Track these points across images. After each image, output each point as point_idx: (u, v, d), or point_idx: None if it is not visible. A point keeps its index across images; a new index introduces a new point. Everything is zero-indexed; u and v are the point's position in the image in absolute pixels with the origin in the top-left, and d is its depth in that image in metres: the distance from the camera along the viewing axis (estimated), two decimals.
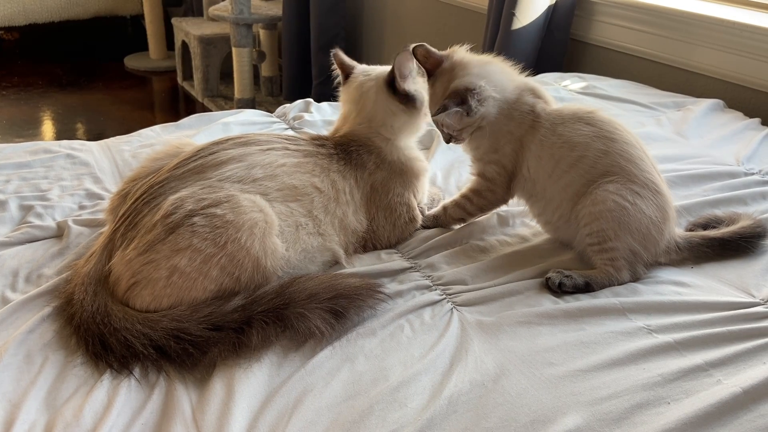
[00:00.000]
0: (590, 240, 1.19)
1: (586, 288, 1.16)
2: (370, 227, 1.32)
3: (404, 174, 1.36)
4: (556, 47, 2.51)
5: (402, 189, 1.35)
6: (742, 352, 0.99)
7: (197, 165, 1.16)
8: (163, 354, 0.99)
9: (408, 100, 1.35)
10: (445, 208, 1.39)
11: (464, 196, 1.36)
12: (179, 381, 0.98)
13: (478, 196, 1.34)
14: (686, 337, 1.02)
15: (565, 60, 2.55)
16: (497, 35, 2.53)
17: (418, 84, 1.37)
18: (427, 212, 1.42)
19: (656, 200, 1.19)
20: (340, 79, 1.44)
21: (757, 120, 1.89)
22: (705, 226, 1.33)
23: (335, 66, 1.43)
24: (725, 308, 1.09)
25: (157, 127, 1.82)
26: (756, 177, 1.56)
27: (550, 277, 1.17)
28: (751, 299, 1.13)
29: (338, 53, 1.41)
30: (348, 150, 1.32)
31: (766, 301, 1.12)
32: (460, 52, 1.29)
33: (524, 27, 2.44)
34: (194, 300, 1.06)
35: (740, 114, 1.94)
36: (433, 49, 1.28)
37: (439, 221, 1.40)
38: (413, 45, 1.27)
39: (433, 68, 1.29)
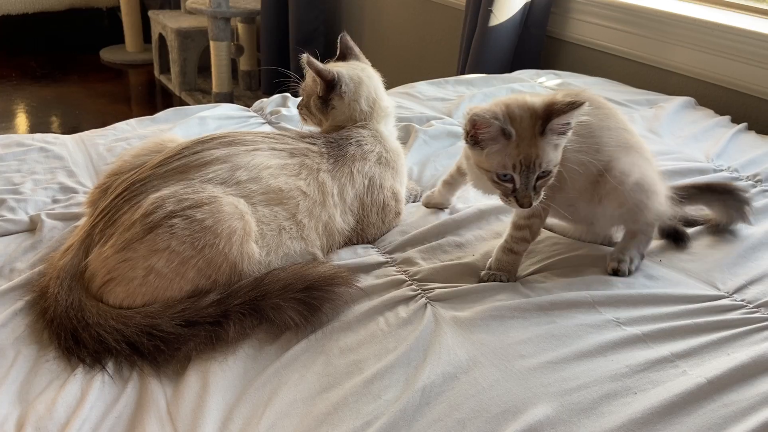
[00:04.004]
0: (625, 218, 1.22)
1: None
2: (358, 226, 1.32)
3: (398, 163, 1.39)
4: (533, 44, 2.54)
5: (393, 181, 1.37)
6: (707, 344, 1.02)
7: (181, 164, 1.15)
8: (136, 350, 0.99)
9: None
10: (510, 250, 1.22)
11: (518, 228, 1.21)
12: (154, 375, 0.98)
13: (530, 229, 1.21)
14: (653, 330, 1.04)
15: (541, 57, 2.57)
16: (475, 31, 2.55)
17: None
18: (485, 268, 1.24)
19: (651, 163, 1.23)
20: (317, 88, 1.38)
21: (727, 117, 1.93)
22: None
23: (309, 71, 1.38)
24: (692, 301, 1.12)
25: (132, 121, 1.80)
26: (725, 173, 1.60)
27: (619, 268, 1.19)
28: (716, 292, 1.16)
29: (312, 61, 1.34)
30: (346, 143, 1.32)
31: (731, 294, 1.15)
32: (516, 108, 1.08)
33: (501, 24, 2.46)
34: (169, 299, 1.06)
35: (711, 112, 1.98)
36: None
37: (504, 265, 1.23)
38: (473, 112, 1.05)
39: (489, 135, 1.07)
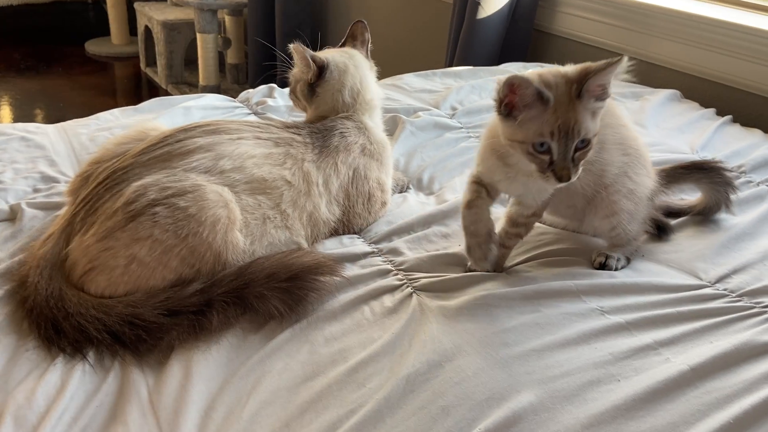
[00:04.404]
0: (611, 233, 1.21)
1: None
2: (344, 216, 1.31)
3: (383, 154, 1.38)
4: (520, 37, 2.54)
5: (379, 172, 1.36)
6: (690, 332, 1.02)
7: (163, 153, 1.14)
8: (117, 339, 0.98)
9: None
10: (502, 245, 1.20)
11: (515, 225, 1.20)
12: (135, 364, 0.97)
13: (526, 226, 1.21)
14: (637, 318, 1.05)
15: (528, 50, 2.57)
16: (462, 24, 2.54)
17: None
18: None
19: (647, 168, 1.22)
20: (308, 74, 1.37)
21: (712, 110, 1.94)
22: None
23: (301, 62, 1.37)
24: (675, 290, 1.12)
25: (115, 111, 1.78)
26: None
27: (606, 263, 1.19)
28: (699, 282, 1.16)
29: (302, 47, 1.34)
30: (331, 133, 1.31)
31: (713, 284, 1.16)
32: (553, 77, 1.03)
33: (489, 17, 2.46)
34: (152, 288, 1.05)
35: (696, 104, 1.99)
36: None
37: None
38: (510, 76, 0.98)
39: (525, 102, 0.99)
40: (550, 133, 0.99)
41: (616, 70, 0.99)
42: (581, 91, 0.98)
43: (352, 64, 1.40)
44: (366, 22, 1.47)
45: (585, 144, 1.01)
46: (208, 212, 1.07)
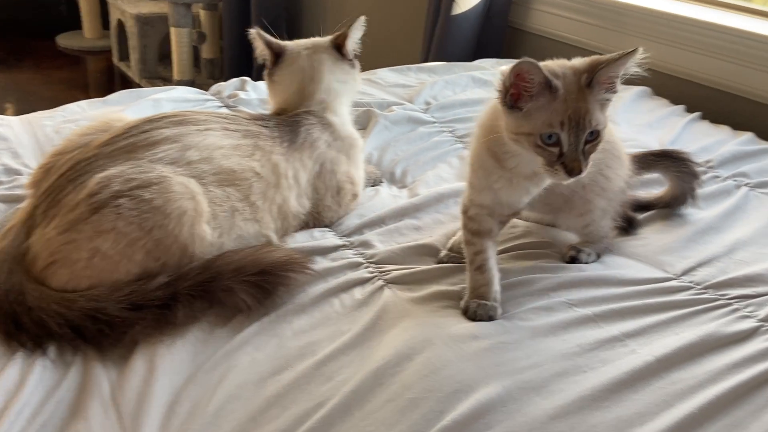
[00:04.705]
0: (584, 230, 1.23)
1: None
2: (313, 209, 1.30)
3: (352, 149, 1.37)
4: (495, 34, 2.55)
5: (348, 166, 1.35)
6: (656, 324, 1.04)
7: (128, 143, 1.12)
8: (79, 334, 0.96)
9: (352, 63, 1.43)
10: None
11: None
12: (98, 359, 0.95)
13: (504, 224, 1.20)
14: (604, 310, 1.05)
15: (503, 47, 2.59)
16: (438, 20, 2.55)
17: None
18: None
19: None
20: (266, 61, 1.39)
21: (682, 107, 1.96)
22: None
23: (260, 48, 1.38)
24: (641, 283, 1.13)
25: (83, 103, 1.75)
26: None
27: (577, 257, 1.20)
28: (665, 275, 1.17)
29: (261, 33, 1.35)
30: (297, 129, 1.30)
31: (679, 276, 1.17)
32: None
33: (464, 13, 2.46)
34: (116, 282, 1.03)
35: (666, 101, 2.01)
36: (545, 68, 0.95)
37: None
38: (517, 61, 0.93)
39: (532, 91, 0.95)
40: (560, 123, 0.94)
41: (630, 61, 0.97)
42: (592, 80, 0.95)
43: (308, 57, 1.37)
44: (364, 18, 1.42)
45: (595, 136, 0.96)
46: (173, 204, 1.06)
